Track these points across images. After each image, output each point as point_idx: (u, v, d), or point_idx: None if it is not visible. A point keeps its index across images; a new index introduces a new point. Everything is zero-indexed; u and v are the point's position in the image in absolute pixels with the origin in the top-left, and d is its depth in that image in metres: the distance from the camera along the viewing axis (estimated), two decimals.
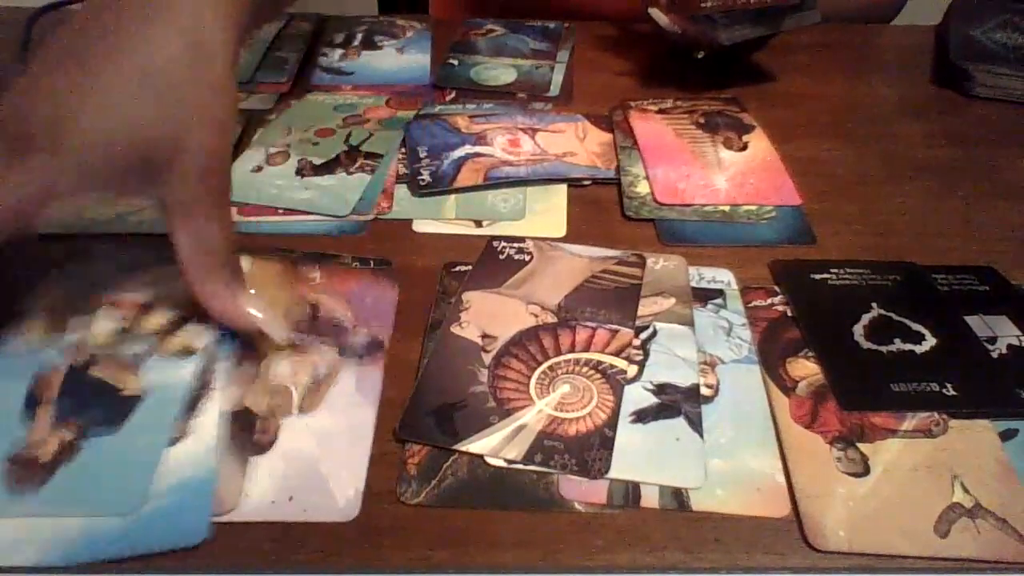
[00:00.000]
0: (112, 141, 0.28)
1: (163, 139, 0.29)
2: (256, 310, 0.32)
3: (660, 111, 0.54)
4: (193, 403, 0.31)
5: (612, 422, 0.32)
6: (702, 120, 0.53)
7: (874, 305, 0.38)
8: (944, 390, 0.34)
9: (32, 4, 0.62)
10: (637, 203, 0.46)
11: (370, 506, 0.30)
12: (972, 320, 0.38)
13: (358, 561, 0.29)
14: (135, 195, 0.30)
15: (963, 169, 0.50)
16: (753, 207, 0.46)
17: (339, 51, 0.61)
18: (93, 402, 0.30)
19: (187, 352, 0.32)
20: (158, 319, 0.33)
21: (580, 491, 0.31)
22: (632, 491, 0.31)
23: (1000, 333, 0.37)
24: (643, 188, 0.47)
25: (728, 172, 0.48)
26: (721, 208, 0.45)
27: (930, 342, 0.37)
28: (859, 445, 0.32)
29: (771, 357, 0.36)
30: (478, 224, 0.44)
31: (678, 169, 0.48)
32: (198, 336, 0.33)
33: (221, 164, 0.30)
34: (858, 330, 0.37)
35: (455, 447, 0.32)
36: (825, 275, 0.40)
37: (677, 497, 0.30)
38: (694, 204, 0.46)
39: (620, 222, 0.45)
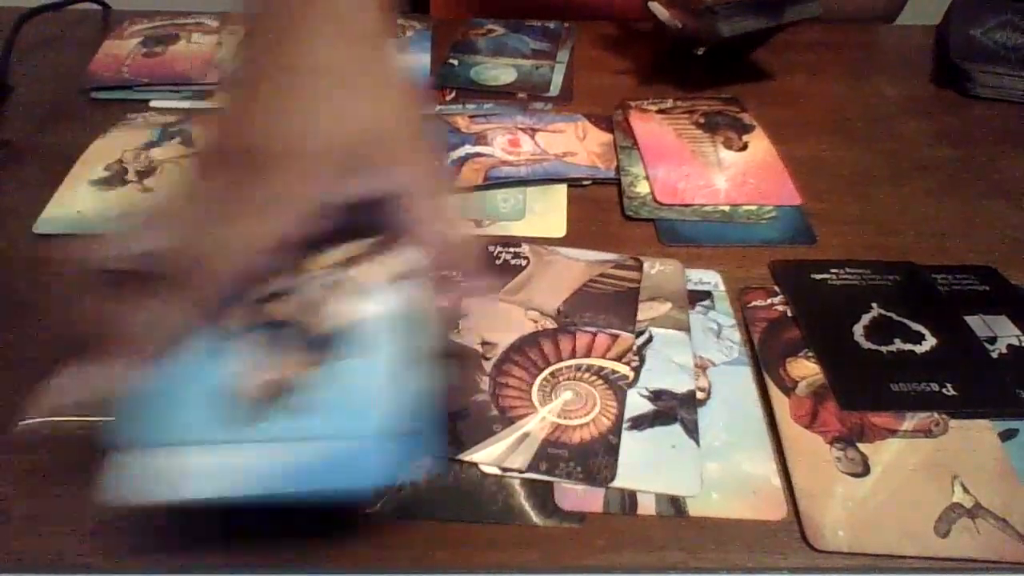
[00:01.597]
0: (342, 145, 0.29)
1: (379, 133, 0.30)
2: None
3: (660, 111, 0.54)
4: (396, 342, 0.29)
5: (616, 428, 0.32)
6: (702, 120, 0.53)
7: (874, 305, 0.38)
8: (944, 390, 0.34)
9: (31, 4, 0.62)
10: (637, 203, 0.46)
11: (370, 506, 0.30)
12: (972, 320, 0.38)
13: (358, 561, 0.29)
14: (360, 190, 0.30)
15: (963, 169, 0.50)
16: (753, 207, 0.46)
17: None
18: (294, 334, 0.28)
19: (399, 277, 0.30)
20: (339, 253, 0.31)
21: (576, 500, 0.30)
22: (629, 498, 0.30)
23: (1000, 333, 0.37)
24: (643, 188, 0.47)
25: (728, 172, 0.48)
26: (721, 208, 0.45)
27: (930, 342, 0.37)
28: (859, 445, 0.32)
29: (771, 357, 0.36)
30: (478, 224, 0.44)
31: (678, 169, 0.48)
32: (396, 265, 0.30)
33: (420, 141, 0.31)
34: (858, 330, 0.37)
35: (459, 457, 0.31)
36: (825, 275, 0.40)
37: (674, 504, 0.30)
38: (694, 204, 0.46)
39: (620, 222, 0.45)
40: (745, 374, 0.35)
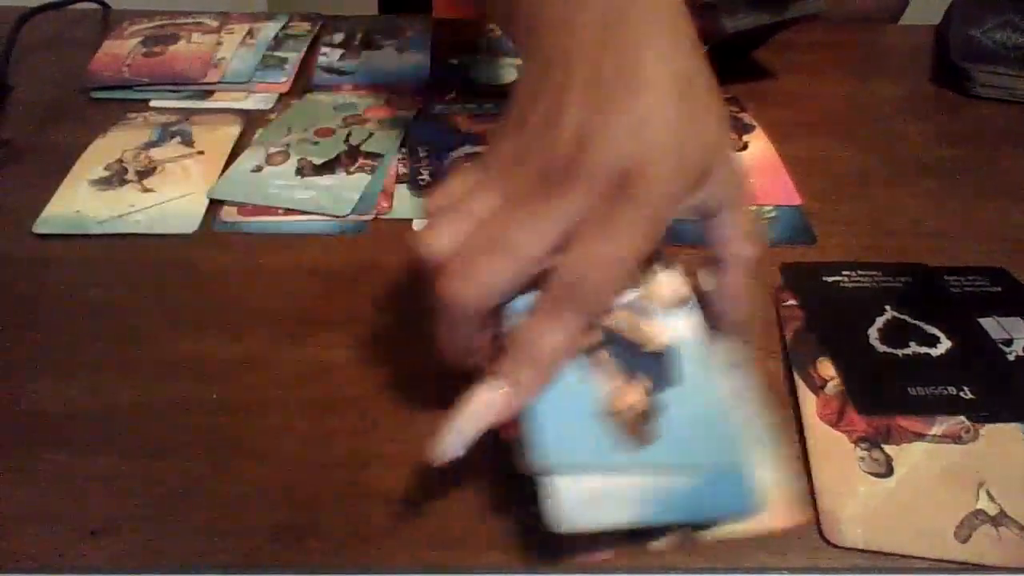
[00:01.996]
0: (691, 165, 0.28)
1: (710, 146, 0.29)
2: None
3: None
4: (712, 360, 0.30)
5: None
6: None
7: (887, 308, 0.38)
8: (962, 393, 0.34)
9: (31, 4, 0.62)
10: None
11: (369, 506, 0.30)
12: (986, 322, 0.38)
13: (358, 561, 0.29)
14: (698, 203, 0.30)
15: (963, 169, 0.50)
16: (753, 207, 0.45)
17: (339, 51, 0.61)
18: (637, 350, 0.29)
19: (681, 301, 0.31)
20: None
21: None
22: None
23: (1016, 335, 0.37)
24: None
25: None
26: None
27: (945, 345, 0.36)
28: (884, 447, 0.32)
29: (802, 356, 0.36)
30: None
31: None
32: (682, 286, 0.31)
33: (738, 158, 0.31)
34: (873, 333, 0.37)
35: None
36: (837, 277, 0.40)
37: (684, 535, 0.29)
38: None
39: None
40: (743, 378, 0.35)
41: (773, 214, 0.45)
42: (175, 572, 0.29)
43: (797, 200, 0.46)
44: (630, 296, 0.30)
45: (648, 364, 0.29)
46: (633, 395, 0.28)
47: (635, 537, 0.28)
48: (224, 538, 0.29)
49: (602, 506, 0.26)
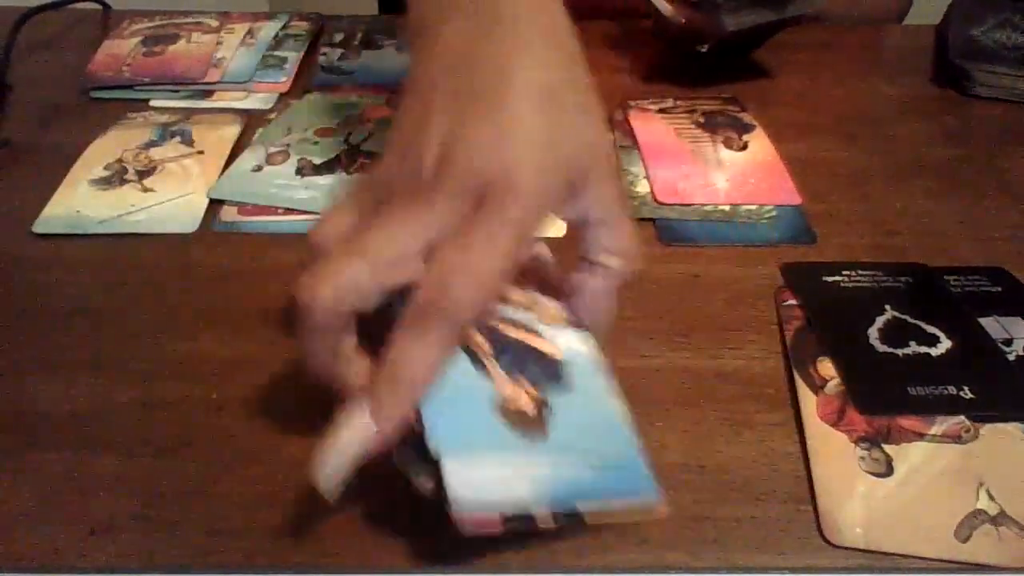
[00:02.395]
0: (558, 174, 0.28)
1: (586, 157, 0.29)
2: None
3: (661, 111, 0.54)
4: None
5: None
6: (702, 120, 0.53)
7: (887, 307, 0.38)
8: (962, 393, 0.34)
9: (31, 4, 0.62)
10: (637, 203, 0.46)
11: (369, 506, 0.30)
12: (986, 322, 0.38)
13: (358, 561, 0.29)
14: (572, 214, 0.30)
15: (963, 169, 0.50)
16: (753, 207, 0.46)
17: (339, 51, 0.61)
18: (527, 360, 0.30)
19: (565, 322, 0.32)
20: (518, 294, 0.32)
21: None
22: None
23: (1016, 335, 0.37)
24: (643, 188, 0.47)
25: (728, 172, 0.48)
26: (721, 208, 0.45)
27: (945, 344, 0.36)
28: (884, 446, 0.32)
29: (802, 356, 0.36)
30: None
31: (678, 169, 0.48)
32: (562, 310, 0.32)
33: (617, 169, 0.32)
34: (873, 333, 0.37)
35: None
36: (837, 277, 0.40)
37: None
38: (694, 204, 0.46)
39: None
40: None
41: (773, 214, 0.45)
42: (175, 572, 0.29)
43: (797, 200, 0.46)
44: (520, 314, 0.31)
45: (541, 372, 0.30)
46: (526, 399, 0.29)
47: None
48: (224, 538, 0.29)
49: (500, 485, 0.26)
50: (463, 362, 0.29)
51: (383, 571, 0.29)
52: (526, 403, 0.28)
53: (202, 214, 0.45)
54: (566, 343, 0.31)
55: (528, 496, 0.26)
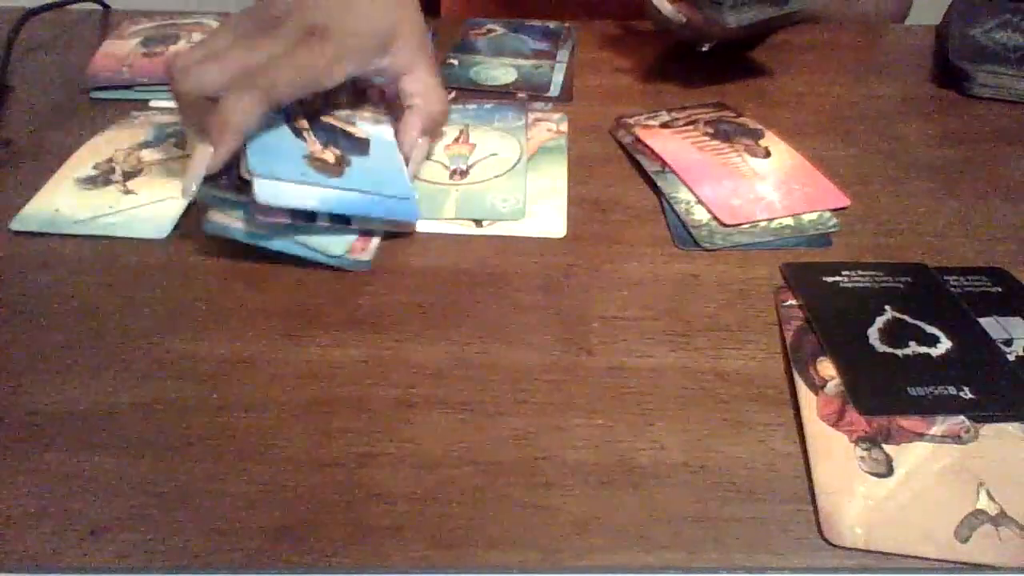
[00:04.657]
0: (367, 33, 0.44)
1: (391, 28, 0.44)
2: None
3: (664, 125, 0.53)
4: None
5: None
6: (710, 130, 0.52)
7: (887, 307, 0.38)
8: (962, 393, 0.34)
9: (31, 4, 0.62)
10: (704, 231, 0.44)
11: (369, 506, 0.30)
12: (986, 322, 0.38)
13: (358, 561, 0.29)
14: (369, 67, 0.44)
15: (963, 169, 0.50)
16: (814, 215, 0.45)
17: None
18: (338, 137, 0.44)
19: (375, 120, 0.47)
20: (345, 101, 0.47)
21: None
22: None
23: (1016, 335, 0.37)
24: (701, 214, 0.45)
25: (769, 181, 0.47)
26: (787, 223, 0.44)
27: (945, 344, 0.36)
28: (884, 446, 0.32)
29: (802, 356, 0.36)
30: (478, 224, 0.44)
31: (722, 185, 0.46)
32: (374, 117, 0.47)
33: (423, 39, 0.47)
34: (873, 333, 0.37)
35: None
36: (837, 277, 0.40)
37: None
38: (758, 220, 0.44)
39: (622, 221, 0.45)
40: None
41: (833, 221, 0.44)
42: (175, 572, 0.29)
43: (845, 201, 0.46)
44: (343, 112, 0.46)
45: (348, 144, 0.44)
46: (330, 154, 0.42)
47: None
48: (224, 538, 0.29)
49: (295, 195, 0.39)
50: (285, 131, 0.42)
51: (383, 571, 0.29)
52: (329, 156, 0.42)
53: (176, 219, 0.44)
54: (375, 132, 0.45)
55: (313, 203, 0.40)
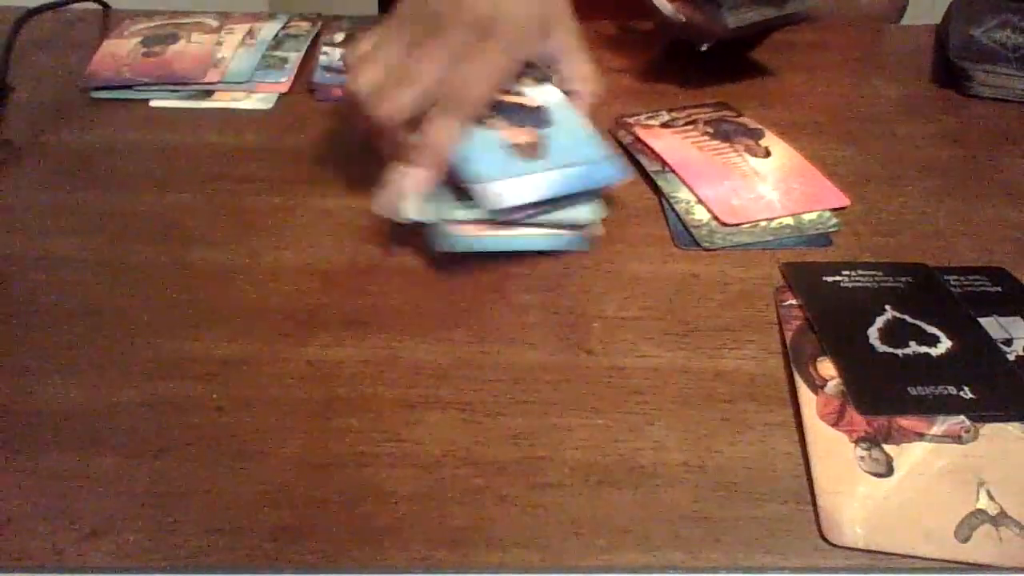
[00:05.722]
0: (532, 17, 0.44)
1: (548, 11, 0.45)
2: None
3: (663, 125, 0.53)
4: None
5: None
6: (710, 130, 0.52)
7: (888, 307, 0.38)
8: (962, 393, 0.34)
9: (31, 4, 0.62)
10: (704, 231, 0.44)
11: (369, 505, 0.30)
12: (986, 322, 0.38)
13: (358, 561, 0.29)
14: (534, 53, 0.45)
15: (963, 169, 0.50)
16: (814, 215, 0.45)
17: (339, 51, 0.61)
18: (517, 112, 0.44)
19: (536, 80, 0.46)
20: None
21: None
22: None
23: (1016, 335, 0.37)
24: (701, 213, 0.45)
25: (769, 181, 0.47)
26: (787, 222, 0.44)
27: (945, 344, 0.36)
28: (884, 446, 0.32)
29: (802, 356, 0.36)
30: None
31: (722, 185, 0.46)
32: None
33: (574, 21, 0.47)
34: (873, 333, 0.37)
35: None
36: (837, 277, 0.40)
37: None
38: (758, 220, 0.44)
39: (622, 222, 0.45)
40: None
41: (835, 220, 0.44)
42: (175, 572, 0.29)
43: (845, 201, 0.46)
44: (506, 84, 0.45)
45: (527, 117, 0.44)
46: (523, 134, 0.42)
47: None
48: (224, 538, 0.29)
49: (519, 188, 0.40)
50: (475, 126, 0.42)
51: (383, 571, 0.29)
52: (523, 137, 0.42)
53: None
54: (544, 96, 0.45)
55: (540, 191, 0.40)
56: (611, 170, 0.42)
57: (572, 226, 0.42)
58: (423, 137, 0.40)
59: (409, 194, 0.40)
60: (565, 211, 0.42)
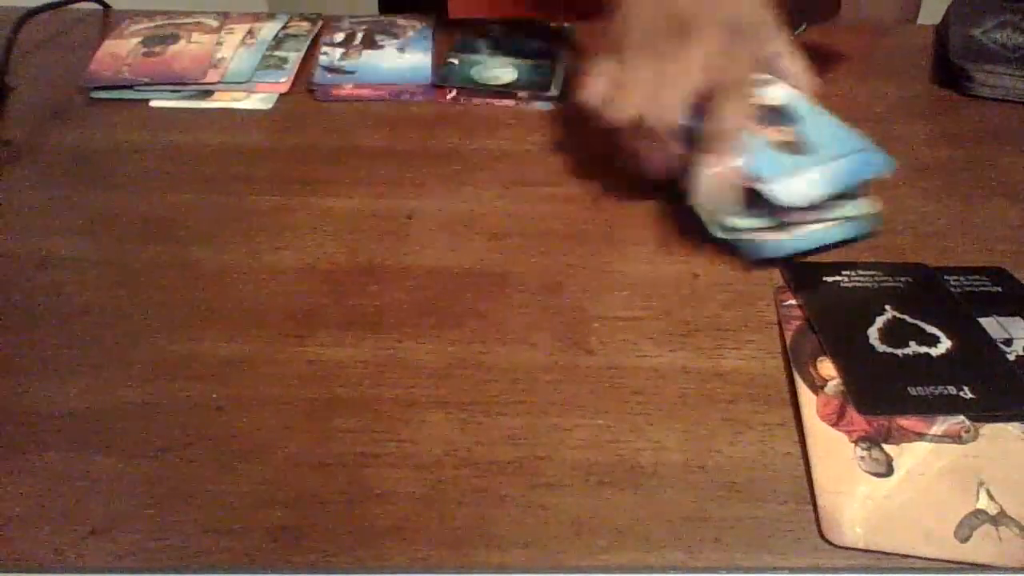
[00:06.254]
0: (769, 16, 0.45)
1: (760, 14, 0.45)
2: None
3: None
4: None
5: None
6: None
7: (888, 307, 0.38)
8: (962, 393, 0.34)
9: (31, 4, 0.62)
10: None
11: (369, 505, 0.30)
12: (986, 322, 0.38)
13: (358, 561, 0.29)
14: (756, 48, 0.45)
15: (963, 169, 0.50)
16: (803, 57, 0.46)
17: (339, 51, 0.61)
18: (765, 112, 0.44)
19: (764, 81, 0.46)
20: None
21: None
22: None
23: (1015, 335, 0.37)
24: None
25: None
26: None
27: (945, 344, 0.36)
28: (884, 446, 0.32)
29: (802, 356, 0.36)
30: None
31: None
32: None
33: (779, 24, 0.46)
34: (873, 333, 0.37)
35: None
36: (837, 277, 0.40)
37: None
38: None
39: (622, 222, 0.45)
40: None
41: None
42: (175, 572, 0.29)
43: None
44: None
45: (774, 115, 0.44)
46: (778, 133, 0.43)
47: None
48: (224, 538, 0.29)
49: (803, 185, 0.40)
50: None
51: (383, 571, 0.29)
52: (782, 135, 0.43)
53: None
54: (778, 94, 0.45)
55: (824, 186, 0.41)
56: (881, 158, 0.43)
57: (854, 217, 0.43)
58: (717, 124, 0.41)
59: (717, 186, 0.41)
60: (847, 203, 0.42)
